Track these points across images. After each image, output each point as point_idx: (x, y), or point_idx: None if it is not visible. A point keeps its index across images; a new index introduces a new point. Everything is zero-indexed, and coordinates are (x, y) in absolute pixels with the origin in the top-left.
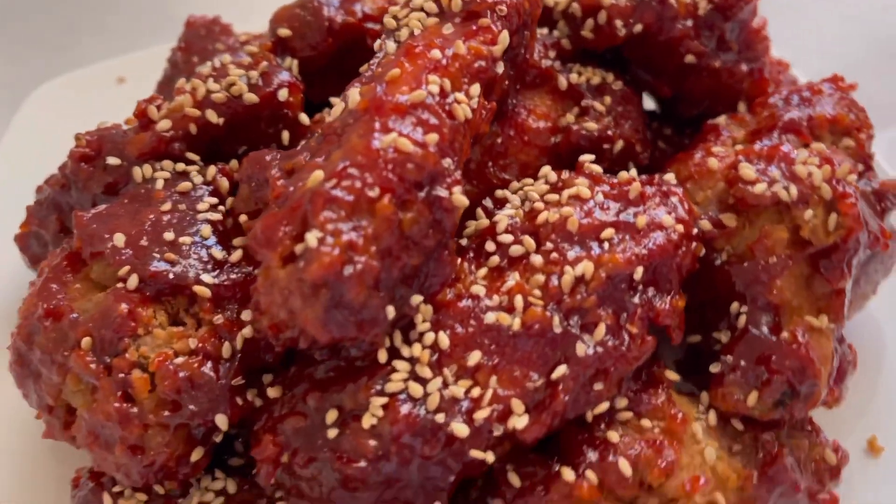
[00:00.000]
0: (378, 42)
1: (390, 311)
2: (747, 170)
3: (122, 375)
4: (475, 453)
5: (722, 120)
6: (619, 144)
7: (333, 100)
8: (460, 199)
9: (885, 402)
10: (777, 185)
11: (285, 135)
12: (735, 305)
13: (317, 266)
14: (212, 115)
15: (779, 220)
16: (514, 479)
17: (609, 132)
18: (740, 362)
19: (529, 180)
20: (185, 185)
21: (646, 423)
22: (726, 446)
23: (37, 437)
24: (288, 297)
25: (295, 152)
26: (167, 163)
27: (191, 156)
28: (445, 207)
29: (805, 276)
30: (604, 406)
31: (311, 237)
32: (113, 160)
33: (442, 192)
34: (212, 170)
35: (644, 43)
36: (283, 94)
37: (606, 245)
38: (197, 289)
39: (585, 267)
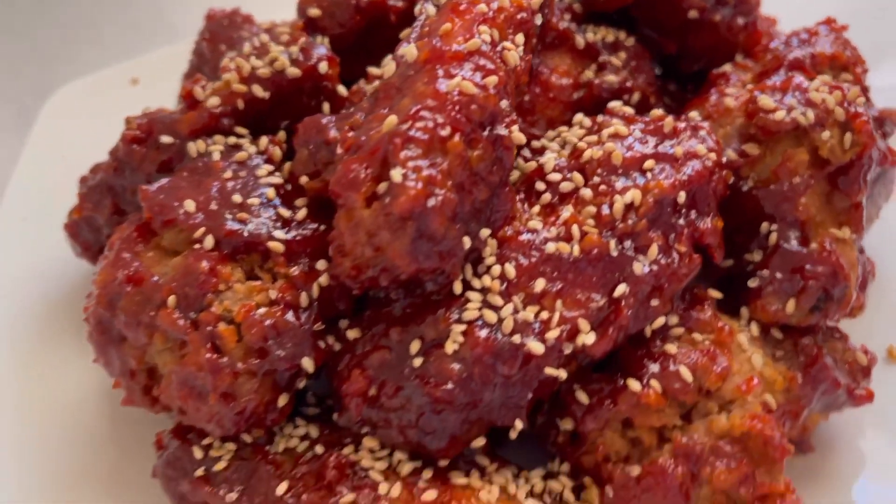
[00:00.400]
0: (418, 7)
1: (466, 243)
2: (766, 100)
3: (209, 328)
4: (549, 370)
5: (727, 67)
6: (637, 96)
7: (371, 70)
8: (519, 136)
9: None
10: (795, 111)
11: (326, 106)
12: (765, 225)
13: (404, 199)
14: (258, 90)
15: (798, 143)
16: (583, 397)
17: (627, 84)
18: (776, 275)
19: (564, 127)
20: (241, 155)
21: (696, 336)
22: (770, 353)
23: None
24: (374, 234)
25: (348, 114)
26: (219, 137)
27: (239, 130)
28: (506, 145)
29: (826, 194)
30: (660, 321)
31: (396, 173)
32: (166, 138)
33: (502, 130)
34: (263, 140)
35: (651, 1)
36: (323, 67)
37: (649, 174)
38: (271, 245)
39: (634, 195)
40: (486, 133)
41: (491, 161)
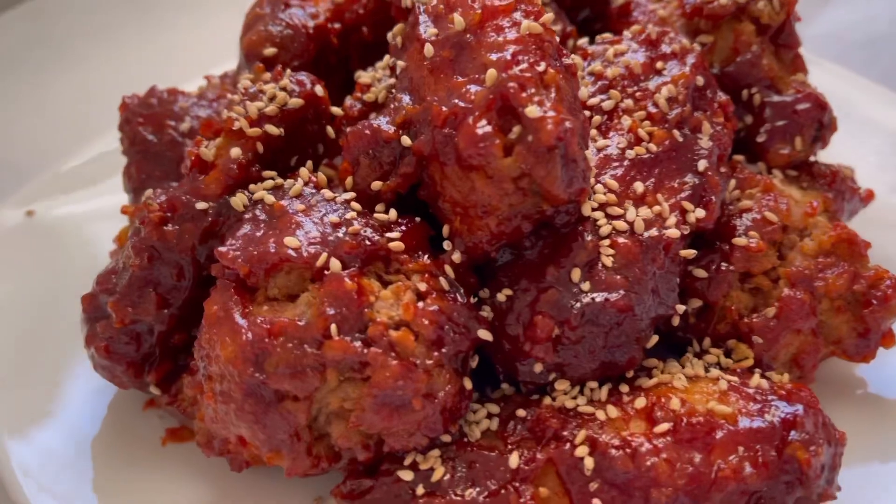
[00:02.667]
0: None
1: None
2: None
3: (384, 339)
4: (683, 252)
5: None
6: (571, 40)
7: (361, 79)
8: (579, 60)
9: None
10: None
11: (329, 129)
12: (745, 93)
13: (549, 129)
14: (272, 129)
15: (741, 20)
16: (701, 273)
17: (566, 29)
18: (776, 124)
19: None
20: (296, 189)
21: (751, 191)
22: (798, 186)
23: None
24: (521, 177)
25: (391, 110)
26: (253, 186)
27: (267, 173)
28: (573, 71)
29: (774, 53)
30: (732, 184)
31: (532, 110)
32: (201, 205)
33: (567, 60)
34: (304, 172)
35: None
36: (319, 91)
37: (666, 72)
38: (392, 245)
39: (669, 89)
40: (559, 63)
41: (572, 86)
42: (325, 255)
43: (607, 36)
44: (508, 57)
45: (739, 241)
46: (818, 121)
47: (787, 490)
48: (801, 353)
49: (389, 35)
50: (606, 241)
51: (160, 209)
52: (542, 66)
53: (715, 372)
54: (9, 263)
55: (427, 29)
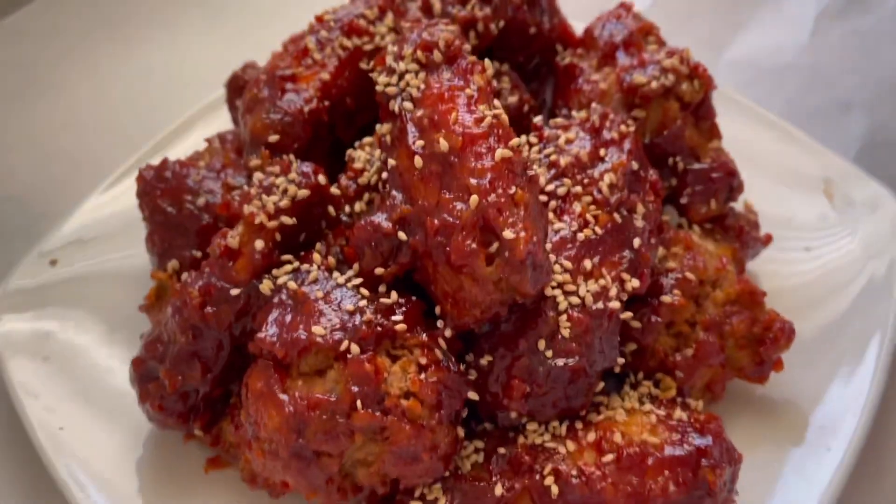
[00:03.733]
0: (391, 105)
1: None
2: (639, 77)
3: (400, 408)
4: (623, 315)
5: (569, 57)
6: (527, 105)
7: (355, 154)
8: (541, 171)
9: None
10: (660, 79)
11: (330, 209)
12: (671, 160)
13: (520, 249)
14: (286, 220)
15: (668, 99)
16: (636, 324)
17: (523, 99)
18: (695, 189)
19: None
20: (313, 276)
21: (674, 249)
22: (712, 239)
23: None
24: (500, 282)
25: (388, 207)
26: (277, 271)
27: (285, 257)
28: (535, 181)
29: (694, 124)
30: (661, 251)
31: (507, 233)
32: (234, 291)
33: (531, 172)
34: (317, 257)
35: (504, 32)
36: (322, 180)
37: (608, 159)
38: (397, 327)
39: (609, 177)
40: (526, 177)
41: (535, 192)
42: (346, 341)
43: (559, 121)
44: (487, 185)
45: (666, 298)
46: (729, 185)
47: (699, 502)
48: (713, 381)
49: (379, 130)
50: (564, 317)
51: (199, 294)
52: (513, 190)
53: (647, 406)
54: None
55: (415, 141)
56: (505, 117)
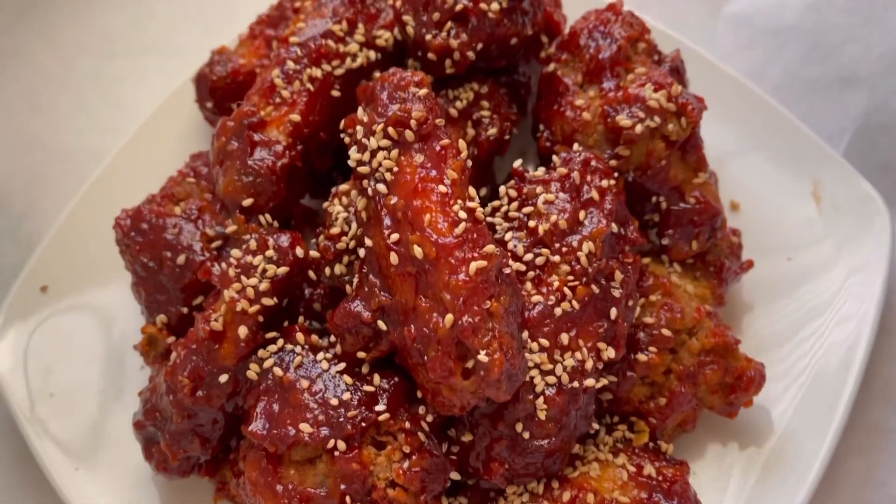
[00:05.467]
0: (365, 184)
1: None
2: (624, 120)
3: (386, 499)
4: (597, 385)
5: (552, 67)
6: (507, 134)
7: (334, 209)
8: (518, 265)
9: None
10: (645, 121)
11: (311, 273)
12: (654, 198)
13: (495, 371)
14: (268, 301)
15: (653, 137)
16: (611, 377)
17: (504, 127)
18: (677, 230)
19: (496, 202)
20: (297, 360)
21: (652, 298)
22: (691, 276)
23: None
24: (478, 392)
25: (366, 294)
26: (263, 352)
27: (270, 335)
28: (513, 280)
29: (680, 158)
30: (637, 311)
31: (481, 357)
32: (223, 377)
33: (506, 270)
34: (300, 336)
35: (483, 50)
36: (299, 252)
37: (587, 223)
38: (380, 418)
39: (588, 245)
40: (502, 279)
41: (512, 293)
42: (331, 441)
43: (539, 174)
44: (461, 304)
45: (641, 357)
46: (711, 226)
47: None
48: (685, 421)
49: (356, 207)
50: (540, 399)
51: (189, 380)
52: (487, 304)
53: (621, 459)
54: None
55: (390, 234)
56: (480, 213)
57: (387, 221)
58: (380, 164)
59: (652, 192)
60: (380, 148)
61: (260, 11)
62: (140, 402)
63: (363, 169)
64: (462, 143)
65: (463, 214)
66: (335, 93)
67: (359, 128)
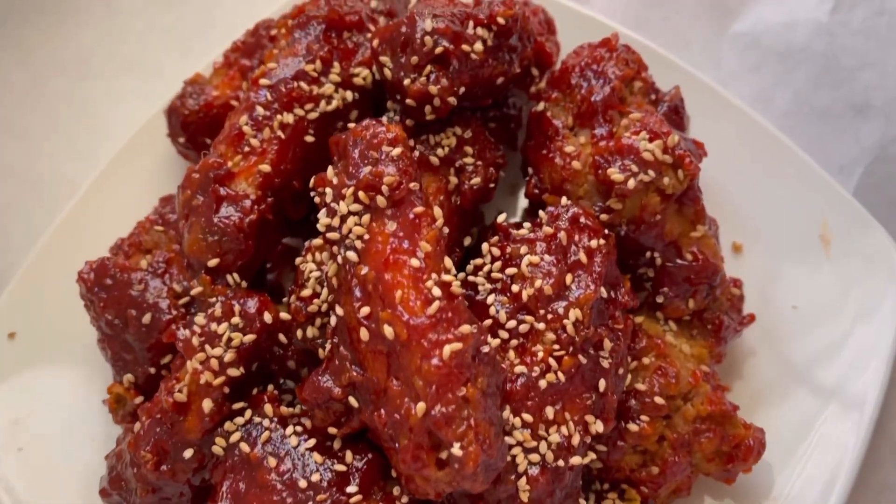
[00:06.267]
0: (335, 250)
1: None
2: (616, 174)
3: None
4: (584, 461)
5: (542, 107)
6: (493, 182)
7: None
8: (494, 342)
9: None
10: (639, 175)
11: (281, 336)
12: (648, 253)
13: (470, 465)
14: (233, 371)
15: (647, 190)
16: (601, 447)
17: (489, 174)
18: (673, 288)
19: (479, 259)
20: (265, 435)
21: (645, 361)
22: (688, 335)
23: None
24: (453, 485)
25: (336, 368)
26: (230, 424)
27: (236, 407)
28: (492, 357)
29: (677, 211)
30: (628, 378)
31: (454, 449)
32: (187, 452)
33: (486, 348)
34: (268, 408)
35: (467, 92)
36: (267, 318)
37: (574, 287)
38: (352, 500)
39: (575, 313)
40: (480, 358)
41: (491, 372)
42: None
43: (523, 233)
44: (434, 393)
45: (632, 427)
46: (710, 284)
47: None
48: (679, 488)
49: (327, 272)
50: (523, 479)
51: (153, 454)
52: (462, 391)
53: None
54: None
55: (360, 307)
56: (456, 287)
57: (357, 293)
58: (350, 231)
59: (646, 247)
60: (350, 213)
61: (239, 26)
62: (106, 468)
63: (332, 235)
64: (437, 210)
65: (437, 291)
66: (309, 138)
67: (328, 189)
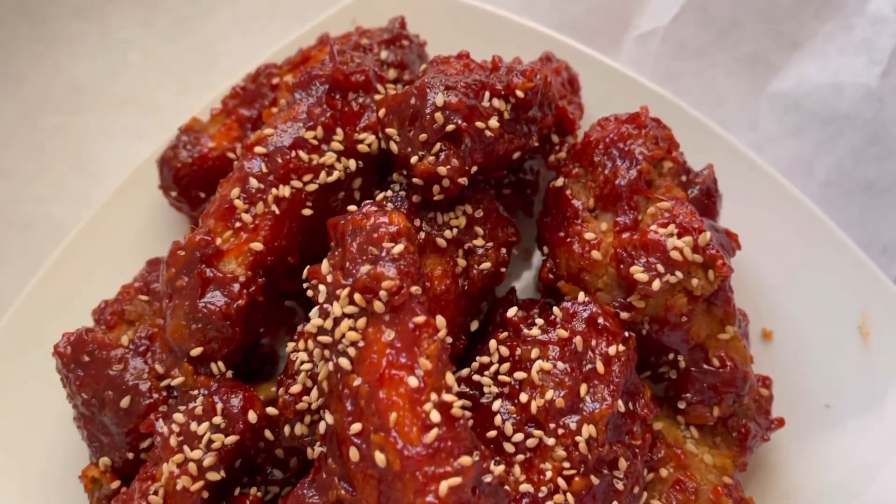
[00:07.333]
0: (327, 354)
1: None
2: (639, 273)
3: None
4: None
5: (561, 182)
6: (504, 266)
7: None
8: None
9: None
10: (665, 276)
11: (267, 432)
12: (671, 354)
13: None
14: (213, 476)
15: (673, 291)
16: None
17: (501, 257)
18: (696, 394)
19: (486, 358)
20: None
21: (663, 472)
22: (710, 443)
23: None
24: None
25: (323, 482)
26: None
27: None
28: (496, 487)
29: (705, 312)
30: (644, 497)
31: None
32: None
33: (487, 477)
34: None
35: (481, 168)
36: (252, 418)
37: (589, 400)
38: None
39: (589, 430)
40: (482, 489)
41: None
42: None
43: (535, 333)
44: None
45: None
46: (737, 392)
47: None
48: None
49: (318, 374)
50: None
51: None
52: None
53: None
54: None
55: (351, 423)
56: (458, 409)
57: (348, 406)
58: (343, 336)
59: (670, 348)
60: (345, 315)
61: (242, 62)
62: None
63: (324, 339)
64: (441, 320)
65: (435, 416)
66: (307, 211)
67: (322, 287)
